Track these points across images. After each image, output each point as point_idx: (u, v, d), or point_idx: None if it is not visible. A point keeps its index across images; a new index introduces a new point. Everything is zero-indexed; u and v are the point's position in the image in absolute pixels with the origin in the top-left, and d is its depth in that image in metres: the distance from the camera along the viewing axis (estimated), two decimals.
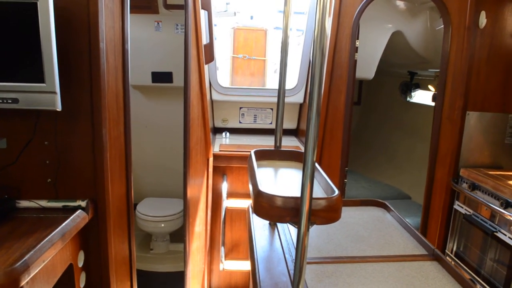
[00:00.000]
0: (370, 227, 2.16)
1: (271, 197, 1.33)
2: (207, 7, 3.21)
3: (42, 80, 1.82)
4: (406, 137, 5.50)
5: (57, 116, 2.04)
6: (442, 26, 4.09)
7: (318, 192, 1.57)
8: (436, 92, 3.78)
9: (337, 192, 1.39)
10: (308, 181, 1.23)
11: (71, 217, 1.97)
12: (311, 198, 1.25)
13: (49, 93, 1.83)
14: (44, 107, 1.85)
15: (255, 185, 1.43)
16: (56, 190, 2.15)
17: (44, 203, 2.11)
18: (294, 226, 1.30)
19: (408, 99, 5.25)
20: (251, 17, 5.78)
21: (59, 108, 1.87)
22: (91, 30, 2.01)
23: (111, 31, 2.17)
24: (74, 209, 2.09)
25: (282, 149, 2.04)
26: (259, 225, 2.12)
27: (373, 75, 4.18)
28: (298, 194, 1.27)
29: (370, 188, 5.14)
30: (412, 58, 4.67)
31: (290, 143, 4.00)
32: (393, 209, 2.37)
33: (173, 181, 4.39)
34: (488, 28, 2.98)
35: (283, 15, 2.00)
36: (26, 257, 1.56)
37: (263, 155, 1.99)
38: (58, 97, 1.85)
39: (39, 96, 1.83)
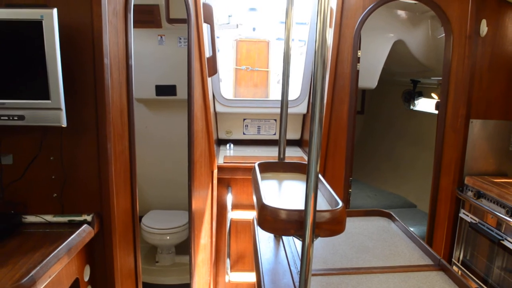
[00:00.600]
0: (375, 238, 2.15)
1: (275, 210, 1.34)
2: (209, 20, 3.25)
3: (47, 97, 1.84)
4: (410, 146, 5.49)
5: (62, 131, 2.06)
6: (444, 34, 4.12)
7: (322, 204, 1.57)
8: (439, 101, 3.79)
9: (341, 204, 1.40)
10: (312, 193, 1.24)
11: (77, 232, 1.98)
12: (315, 211, 1.26)
13: (54, 109, 1.86)
14: (49, 123, 1.88)
15: (259, 198, 1.44)
16: (62, 205, 2.16)
17: (50, 218, 2.12)
18: (299, 239, 1.31)
19: (411, 107, 5.26)
20: (254, 29, 5.82)
21: (64, 124, 1.90)
22: (95, 46, 2.04)
23: (115, 47, 2.20)
24: (80, 223, 2.11)
25: (286, 161, 2.05)
26: (264, 237, 2.12)
27: (376, 84, 4.20)
28: (302, 207, 1.28)
29: (375, 197, 5.12)
30: (414, 67, 4.69)
31: (294, 153, 4.01)
32: (398, 219, 2.36)
33: (178, 193, 4.39)
34: (489, 36, 2.99)
35: (284, 27, 2.02)
36: (32, 273, 1.57)
37: (267, 167, 2.00)
38: (63, 114, 1.87)
39: (44, 112, 1.86)
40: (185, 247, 4.09)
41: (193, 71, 2.93)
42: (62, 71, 1.89)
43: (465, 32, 2.98)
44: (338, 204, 1.40)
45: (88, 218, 2.13)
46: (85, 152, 2.12)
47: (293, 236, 1.34)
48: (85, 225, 2.06)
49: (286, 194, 1.82)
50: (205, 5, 3.13)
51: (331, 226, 1.35)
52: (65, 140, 2.10)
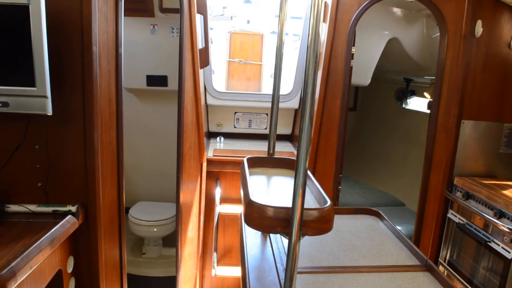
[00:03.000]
0: (363, 236, 2.14)
1: (262, 207, 1.31)
2: (203, 11, 3.20)
3: (33, 84, 1.79)
4: (401, 144, 5.50)
5: (48, 120, 2.02)
6: (439, 34, 4.11)
7: (310, 202, 1.55)
8: (431, 100, 3.78)
9: (329, 202, 1.37)
10: (299, 191, 1.22)
11: (61, 223, 1.94)
12: (303, 209, 1.24)
13: (40, 97, 1.81)
14: (34, 111, 1.83)
15: (246, 194, 1.42)
16: (46, 194, 2.12)
17: (33, 207, 2.08)
18: (285, 237, 1.29)
19: (403, 105, 5.25)
20: (248, 22, 5.77)
21: (50, 112, 1.85)
22: (84, 34, 1.99)
23: (105, 35, 2.15)
24: (64, 214, 2.07)
25: (275, 156, 2.03)
26: (251, 233, 2.10)
27: (369, 81, 4.18)
28: (290, 204, 1.25)
29: (364, 194, 5.12)
30: (408, 65, 4.68)
31: (284, 148, 3.99)
32: (386, 218, 2.35)
33: (166, 185, 4.36)
34: (484, 37, 2.98)
35: (278, 21, 1.99)
36: (12, 264, 1.54)
37: (256, 162, 1.97)
38: (49, 102, 1.83)
39: (29, 100, 1.81)
40: (172, 240, 4.06)
41: (184, 62, 2.88)
42: (49, 58, 1.84)
43: (460, 32, 2.97)
44: (326, 202, 1.38)
45: (73, 209, 2.09)
46: (71, 142, 2.08)
47: (280, 234, 1.32)
48: (69, 216, 2.03)
49: (274, 190, 1.79)
50: None
51: (318, 224, 1.33)
52: (51, 129, 2.05)
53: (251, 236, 2.05)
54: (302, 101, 1.20)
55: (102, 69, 2.12)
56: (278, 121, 4.30)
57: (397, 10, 4.07)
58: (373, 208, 2.43)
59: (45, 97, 1.81)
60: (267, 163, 1.99)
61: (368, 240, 2.10)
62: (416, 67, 4.67)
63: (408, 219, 4.37)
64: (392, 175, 5.51)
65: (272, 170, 1.97)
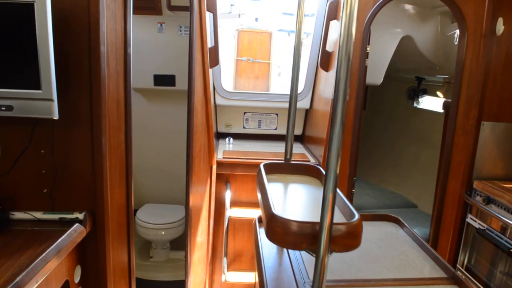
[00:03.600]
0: (383, 245, 2.04)
1: (286, 222, 1.21)
2: (212, 8, 3.10)
3: (38, 87, 1.70)
4: (412, 144, 5.38)
5: (54, 123, 1.93)
6: (454, 31, 3.98)
7: (335, 214, 1.45)
8: (446, 100, 3.66)
9: (357, 216, 1.28)
10: (329, 205, 1.12)
11: (68, 232, 1.85)
12: (332, 224, 1.14)
13: (45, 100, 1.72)
14: (40, 115, 1.74)
15: (267, 206, 1.32)
16: (52, 201, 2.03)
17: (39, 215, 1.99)
18: (311, 255, 1.19)
19: (415, 105, 5.14)
20: (256, 19, 5.67)
21: (56, 116, 1.76)
22: (91, 33, 1.90)
23: (113, 34, 2.05)
24: (71, 221, 1.98)
25: (293, 162, 1.92)
26: (267, 242, 2.00)
27: (382, 81, 4.07)
28: (315, 217, 1.16)
29: (375, 195, 5.01)
30: (420, 63, 4.56)
31: (295, 150, 3.87)
32: (406, 225, 2.25)
33: (174, 187, 4.28)
34: (505, 35, 2.86)
35: (296, 19, 1.89)
36: (18, 279, 1.45)
37: (273, 169, 1.87)
38: (55, 105, 1.73)
39: (35, 103, 1.72)
40: (180, 243, 3.98)
41: (194, 61, 2.79)
42: (55, 59, 1.74)
43: (481, 31, 2.85)
44: (353, 215, 1.28)
45: (80, 216, 2.00)
46: (78, 146, 1.99)
47: (305, 250, 1.22)
48: (76, 224, 1.94)
49: (294, 200, 1.69)
50: None
51: (347, 240, 1.23)
52: (57, 133, 1.96)
53: (267, 246, 1.95)
54: (333, 106, 1.10)
55: (110, 69, 2.03)
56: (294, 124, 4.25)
57: (410, 8, 3.95)
58: (392, 215, 2.32)
59: (51, 100, 1.72)
60: (285, 169, 1.89)
61: (390, 249, 2.00)
62: (428, 66, 4.55)
63: (421, 221, 4.26)
64: (403, 176, 5.40)
65: (290, 177, 1.87)
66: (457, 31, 3.82)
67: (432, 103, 5.00)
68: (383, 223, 2.32)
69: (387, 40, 3.94)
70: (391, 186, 5.34)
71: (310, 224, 1.20)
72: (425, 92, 5.10)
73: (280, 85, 6.45)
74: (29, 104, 1.72)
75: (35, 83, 1.70)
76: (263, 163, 1.81)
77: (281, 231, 1.21)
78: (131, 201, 2.39)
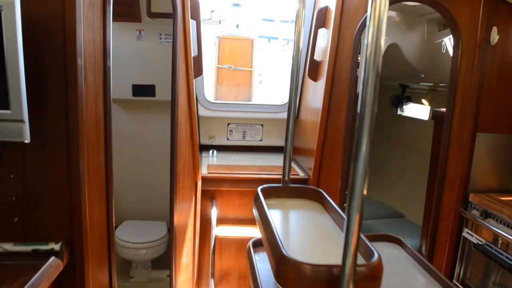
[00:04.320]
0: (388, 271, 1.89)
1: (300, 266, 1.05)
2: (195, 16, 2.93)
3: (6, 106, 1.50)
4: (396, 151, 5.32)
5: (25, 145, 1.72)
6: (441, 39, 3.92)
7: None
8: (436, 109, 3.59)
9: (377, 255, 1.13)
10: (352, 246, 0.97)
11: (43, 268, 1.65)
12: (355, 267, 0.99)
13: (15, 121, 1.52)
14: (9, 138, 1.54)
15: (275, 245, 1.15)
16: (24, 231, 1.83)
17: (9, 246, 1.78)
18: None
19: (399, 112, 5.08)
20: (237, 26, 5.52)
21: (27, 139, 1.56)
22: (67, 44, 1.71)
23: (91, 45, 1.87)
24: (46, 253, 1.78)
25: (292, 185, 1.77)
26: (265, 270, 1.84)
27: None
28: (327, 254, 1.01)
29: None
30: (405, 71, 4.49)
31: (281, 162, 3.72)
32: (408, 245, 2.12)
33: (154, 201, 4.07)
34: (499, 45, 2.78)
35: (294, 30, 1.74)
36: None
37: (270, 193, 1.71)
38: (26, 127, 1.53)
39: (3, 125, 1.51)
40: (162, 261, 3.78)
41: (178, 72, 2.61)
42: (26, 74, 1.55)
43: (475, 40, 2.76)
44: (373, 254, 1.14)
45: (56, 247, 1.80)
46: (53, 170, 1.79)
47: None
48: (52, 258, 1.73)
49: (300, 232, 1.53)
50: None
51: (368, 283, 1.08)
52: (29, 155, 1.76)
53: (266, 276, 1.79)
54: (359, 121, 1.00)
55: (88, 84, 1.84)
56: (275, 132, 4.11)
57: (397, 15, 3.88)
58: (393, 235, 2.19)
59: (22, 121, 1.52)
60: (283, 193, 1.74)
61: (395, 276, 1.86)
62: (414, 73, 4.49)
63: (410, 232, 4.17)
64: (388, 184, 5.32)
65: (289, 201, 1.71)
66: (445, 39, 3.77)
67: (417, 110, 4.95)
68: (384, 244, 2.18)
69: None
70: (376, 195, 5.25)
71: (327, 267, 1.04)
72: (409, 99, 5.05)
73: (262, 93, 6.33)
74: None
75: (3, 102, 1.50)
76: (260, 188, 1.65)
77: (294, 276, 1.05)
78: (112, 225, 2.19)
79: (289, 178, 1.81)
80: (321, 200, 1.71)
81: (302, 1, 1.69)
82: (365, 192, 0.99)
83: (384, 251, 2.11)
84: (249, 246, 2.02)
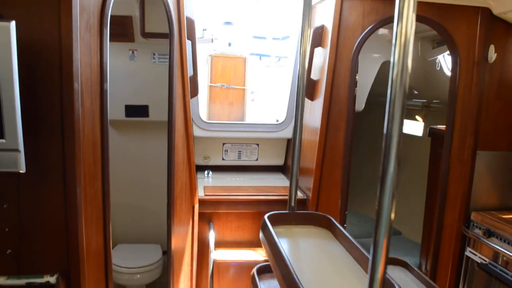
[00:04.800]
0: None
1: None
2: (191, 36, 2.89)
3: (1, 135, 1.42)
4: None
5: (19, 173, 1.64)
6: (435, 57, 3.93)
7: (354, 273, 1.24)
8: (432, 126, 3.58)
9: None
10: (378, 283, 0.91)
11: None
12: None
13: (10, 151, 1.44)
14: (4, 168, 1.47)
15: (292, 283, 1.08)
16: (17, 263, 1.74)
17: (2, 280, 1.70)
18: None
19: None
20: (229, 44, 5.50)
21: (22, 169, 1.49)
22: (63, 68, 1.65)
23: (88, 69, 1.81)
24: (41, 286, 1.69)
25: (299, 211, 1.71)
26: None
27: (363, 107, 3.96)
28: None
29: (359, 224, 4.85)
30: None
31: (279, 182, 3.68)
32: (415, 268, 2.06)
33: (148, 224, 3.97)
34: (497, 63, 2.78)
35: (299, 50, 1.71)
36: None
37: (277, 219, 1.65)
38: (21, 156, 1.46)
39: None
40: (157, 286, 3.66)
41: (175, 93, 2.56)
42: (21, 100, 1.48)
43: (473, 58, 2.76)
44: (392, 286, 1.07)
45: (52, 279, 1.71)
46: (48, 198, 1.71)
47: None
48: None
49: (313, 264, 1.46)
50: (188, 19, 2.77)
51: None
52: (24, 184, 1.68)
53: None
54: (386, 144, 0.99)
55: (85, 109, 1.77)
56: (271, 152, 4.05)
57: (391, 33, 3.88)
58: (400, 258, 2.13)
59: (17, 150, 1.45)
60: (290, 220, 1.67)
61: None
62: (408, 91, 4.49)
63: (409, 250, 4.11)
64: None
65: (296, 229, 1.65)
66: (439, 57, 3.78)
67: (410, 126, 4.95)
68: (390, 267, 2.12)
69: (368, 65, 3.84)
70: (372, 212, 5.19)
71: None
72: None
73: (254, 111, 6.29)
74: None
75: None
76: (267, 215, 1.59)
77: None
78: (109, 253, 2.11)
79: (296, 203, 1.75)
80: (330, 227, 1.65)
81: (307, 20, 1.65)
82: (392, 217, 0.94)
83: (392, 275, 2.05)
84: (253, 273, 1.94)
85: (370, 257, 0.94)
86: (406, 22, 0.90)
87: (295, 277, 1.10)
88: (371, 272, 0.93)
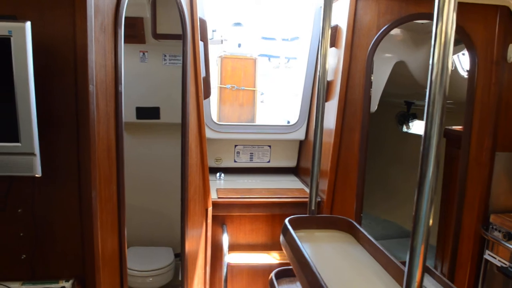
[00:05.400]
0: None
1: None
2: (204, 37, 2.86)
3: (16, 139, 1.40)
4: (402, 168, 5.23)
5: (34, 177, 1.61)
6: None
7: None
8: (447, 127, 3.51)
9: None
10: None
11: None
12: None
13: (25, 154, 1.41)
14: (19, 172, 1.44)
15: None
16: (32, 268, 1.72)
17: (17, 286, 1.67)
18: None
19: (405, 129, 5.01)
20: (239, 45, 5.46)
21: (38, 173, 1.46)
22: (78, 70, 1.62)
23: (102, 71, 1.78)
24: None
25: (319, 215, 1.67)
26: None
27: (376, 108, 3.90)
28: None
29: (370, 225, 4.80)
30: (412, 88, 4.44)
31: (291, 184, 3.63)
32: (437, 273, 2.01)
33: (160, 226, 3.95)
34: None
35: (319, 52, 1.67)
36: None
37: (298, 223, 1.61)
38: (37, 160, 1.43)
39: (12, 158, 1.41)
40: None
41: (188, 94, 2.52)
42: (36, 103, 1.45)
43: (491, 58, 2.70)
44: None
45: (67, 285, 1.69)
46: (63, 202, 1.69)
47: None
48: None
49: (338, 269, 1.42)
50: (200, 20, 2.74)
51: None
52: (39, 188, 1.66)
53: None
54: (424, 145, 0.97)
55: (100, 111, 1.74)
56: (283, 153, 4.00)
57: (404, 33, 3.83)
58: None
59: (33, 154, 1.42)
60: (311, 223, 1.63)
61: None
62: (420, 91, 4.42)
63: None
64: (394, 202, 5.22)
65: (319, 233, 1.61)
66: (453, 57, 3.72)
67: (422, 127, 4.88)
68: None
69: (381, 66, 3.79)
70: (383, 213, 5.15)
71: None
72: (415, 116, 4.99)
73: (264, 112, 6.26)
74: (5, 160, 1.41)
75: (13, 134, 1.40)
76: (287, 219, 1.55)
77: None
78: (124, 257, 2.07)
79: (316, 207, 1.71)
80: (352, 231, 1.61)
81: (328, 20, 1.61)
82: (431, 223, 0.89)
83: None
84: (271, 278, 1.90)
85: (406, 265, 0.89)
86: (446, 22, 0.86)
87: (323, 283, 1.06)
88: (406, 281, 0.88)
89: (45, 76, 1.58)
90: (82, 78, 1.63)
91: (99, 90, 1.74)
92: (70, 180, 1.67)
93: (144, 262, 3.57)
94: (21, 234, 1.68)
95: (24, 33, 1.39)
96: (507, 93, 2.76)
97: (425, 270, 2.01)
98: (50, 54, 1.59)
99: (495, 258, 2.77)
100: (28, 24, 1.42)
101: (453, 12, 0.86)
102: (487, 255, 2.84)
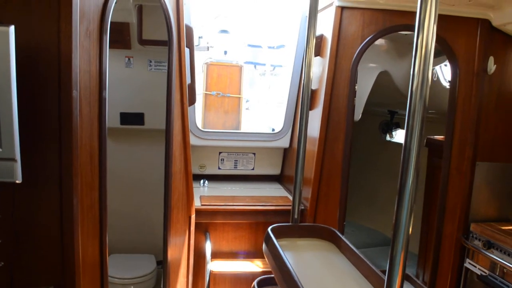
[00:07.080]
0: None
1: None
2: (190, 44, 2.86)
3: None
4: (386, 177, 5.28)
5: (15, 183, 1.59)
6: (433, 68, 3.94)
7: None
8: (429, 137, 3.57)
9: None
10: None
11: None
12: None
13: (6, 160, 1.39)
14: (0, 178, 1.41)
15: None
16: (11, 276, 1.68)
17: None
18: None
19: (388, 138, 5.07)
20: (225, 52, 5.47)
21: (19, 179, 1.44)
22: (62, 75, 1.61)
23: (87, 76, 1.76)
24: None
25: (301, 224, 1.67)
26: None
27: (360, 117, 3.94)
28: None
29: (353, 233, 4.83)
30: (395, 98, 4.50)
31: (276, 192, 3.64)
32: (418, 281, 2.04)
33: (142, 233, 3.90)
34: (496, 74, 2.78)
35: (304, 61, 1.68)
36: None
37: (281, 232, 1.61)
38: (18, 166, 1.42)
39: None
40: None
41: (173, 101, 2.52)
42: (18, 108, 1.43)
43: (473, 69, 2.76)
44: None
45: None
46: (44, 209, 1.66)
47: None
48: None
49: (320, 280, 1.42)
50: (186, 27, 2.74)
51: None
52: (19, 194, 1.63)
53: None
54: (404, 155, 1.00)
55: (83, 117, 1.73)
56: (267, 161, 4.01)
57: (388, 43, 3.88)
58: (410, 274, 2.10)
59: (13, 160, 1.40)
60: (294, 232, 1.64)
61: None
62: (403, 100, 4.48)
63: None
64: (378, 211, 5.27)
65: (301, 241, 1.61)
66: (436, 68, 3.78)
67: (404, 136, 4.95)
68: None
69: (365, 76, 3.83)
70: (367, 221, 5.18)
71: None
72: (398, 125, 5.05)
73: (249, 119, 6.26)
74: None
75: None
76: (270, 228, 1.55)
77: None
78: (105, 265, 2.04)
79: (299, 215, 1.71)
80: (334, 240, 1.62)
81: (313, 29, 1.63)
82: (410, 232, 0.90)
83: None
84: (254, 286, 1.90)
85: (386, 274, 0.90)
86: (427, 34, 0.88)
87: None
88: None
89: (28, 81, 1.56)
90: (66, 83, 1.61)
91: (83, 95, 1.72)
92: (51, 186, 1.65)
93: (125, 270, 3.52)
94: (0, 241, 1.65)
95: (8, 37, 1.38)
96: (488, 104, 2.82)
97: (406, 278, 2.04)
98: (33, 59, 1.57)
99: (475, 266, 2.81)
100: (12, 28, 1.40)
101: (434, 25, 0.88)
102: (468, 264, 2.88)
